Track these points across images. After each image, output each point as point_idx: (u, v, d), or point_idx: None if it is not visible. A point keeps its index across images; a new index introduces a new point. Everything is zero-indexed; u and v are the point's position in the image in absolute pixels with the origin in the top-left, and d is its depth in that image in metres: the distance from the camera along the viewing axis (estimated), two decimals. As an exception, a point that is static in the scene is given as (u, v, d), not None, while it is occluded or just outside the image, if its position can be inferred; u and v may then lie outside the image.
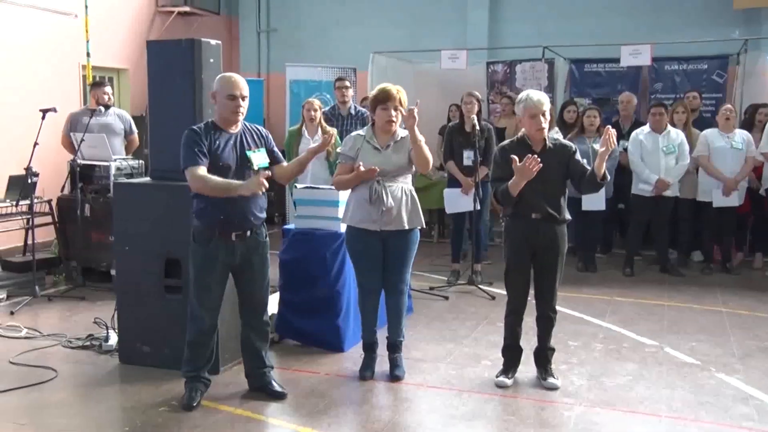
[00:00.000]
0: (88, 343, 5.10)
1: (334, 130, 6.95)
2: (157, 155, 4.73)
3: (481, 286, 6.68)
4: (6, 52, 8.01)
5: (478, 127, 6.54)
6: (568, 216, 4.38)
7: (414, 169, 4.53)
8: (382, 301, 4.60)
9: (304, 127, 7.01)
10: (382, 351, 4.64)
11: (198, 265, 4.02)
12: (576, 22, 9.93)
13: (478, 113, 6.85)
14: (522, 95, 4.34)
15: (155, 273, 4.59)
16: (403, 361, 4.62)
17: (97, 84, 7.52)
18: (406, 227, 4.42)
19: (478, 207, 6.75)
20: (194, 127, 4.00)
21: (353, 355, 4.92)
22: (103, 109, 7.22)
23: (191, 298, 4.09)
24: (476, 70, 9.65)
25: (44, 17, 8.46)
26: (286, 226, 5.56)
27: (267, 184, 3.83)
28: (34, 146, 6.32)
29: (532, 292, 4.46)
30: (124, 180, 5.76)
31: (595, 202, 7.11)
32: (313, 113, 6.92)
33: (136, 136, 7.60)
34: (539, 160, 4.04)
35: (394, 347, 4.60)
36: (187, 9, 10.46)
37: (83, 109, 7.61)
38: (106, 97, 7.31)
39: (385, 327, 4.65)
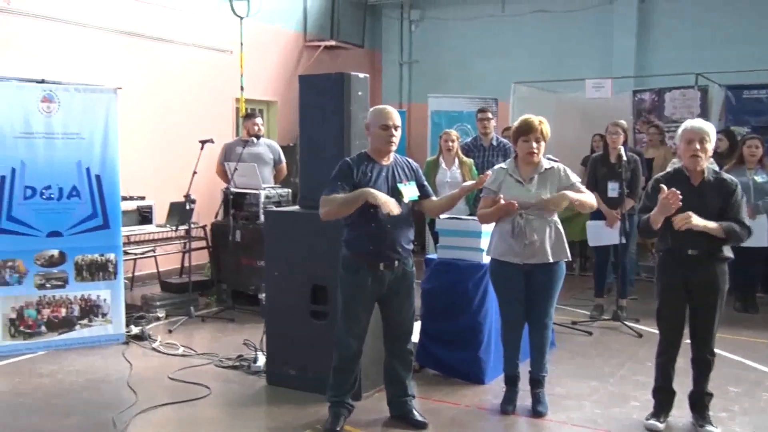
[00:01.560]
0: (237, 364, 5.33)
1: (471, 161, 6.99)
2: (306, 184, 4.91)
3: (627, 323, 6.41)
4: (170, 88, 8.63)
5: (624, 158, 6.33)
6: (729, 253, 4.11)
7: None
8: (525, 334, 4.52)
9: (441, 158, 7.04)
10: (523, 385, 4.55)
11: (346, 294, 4.12)
12: (731, 48, 9.48)
13: (624, 143, 6.64)
14: (684, 123, 4.16)
15: (302, 299, 4.74)
16: (545, 397, 4.50)
17: (249, 116, 7.92)
18: (551, 260, 4.33)
19: (624, 240, 6.51)
20: (348, 159, 4.13)
21: (494, 388, 4.85)
22: (255, 139, 7.59)
23: (338, 325, 4.18)
24: (621, 98, 9.38)
25: (204, 54, 9.07)
26: (428, 256, 5.59)
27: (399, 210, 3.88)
28: (193, 175, 6.73)
29: (686, 331, 4.22)
30: (275, 208, 6.00)
31: (756, 237, 6.65)
32: (450, 144, 6.95)
33: (284, 165, 7.92)
34: (680, 195, 3.84)
35: (536, 382, 4.50)
36: (332, 43, 10.88)
37: (236, 139, 8.04)
38: (256, 128, 7.68)
39: (528, 361, 4.55)
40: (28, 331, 5.75)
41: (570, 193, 4.23)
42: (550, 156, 4.49)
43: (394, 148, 4.12)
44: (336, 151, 4.56)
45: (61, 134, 5.84)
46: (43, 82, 6.63)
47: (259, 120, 7.80)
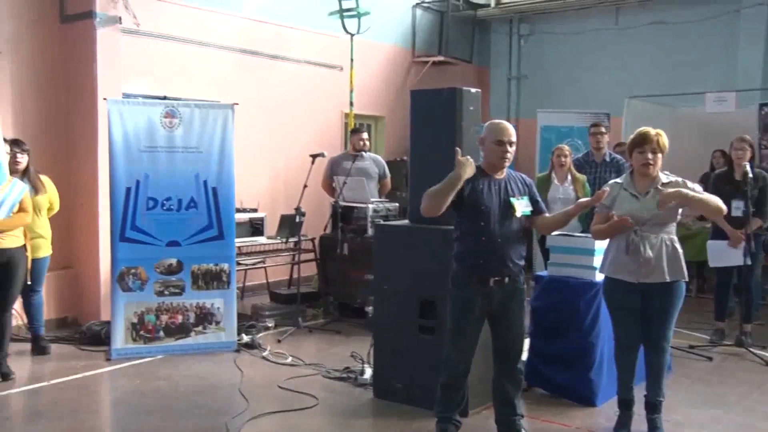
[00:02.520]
0: (344, 375, 5.38)
1: (584, 177, 6.81)
2: (416, 199, 4.90)
3: (752, 350, 6.05)
4: (282, 103, 8.89)
5: (750, 175, 6.00)
6: None
7: (679, 217, 4.26)
8: (640, 356, 4.34)
9: (553, 174, 6.90)
10: (638, 409, 4.35)
11: (455, 309, 4.08)
12: None
13: (751, 159, 6.30)
14: None
15: (411, 313, 4.73)
16: (662, 423, 4.29)
17: (356, 131, 8.03)
18: (668, 279, 4.14)
19: (749, 261, 6.15)
20: (460, 171, 4.10)
21: (606, 411, 4.67)
22: (363, 154, 7.69)
23: (447, 342, 4.14)
24: (745, 112, 8.91)
25: (315, 71, 9.29)
26: (538, 273, 5.48)
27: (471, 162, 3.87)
28: (304, 188, 6.88)
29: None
30: (385, 222, 6.04)
31: None
32: (563, 159, 6.80)
33: (388, 180, 7.97)
34: None
35: (653, 407, 4.30)
36: (441, 58, 10.91)
37: (342, 154, 8.16)
38: (362, 142, 7.76)
39: (642, 384, 4.36)
40: (148, 335, 6.02)
41: (689, 191, 4.04)
42: (666, 172, 4.31)
43: (507, 163, 4.07)
44: (446, 166, 4.52)
45: (181, 148, 6.11)
46: (165, 98, 6.99)
47: (365, 135, 7.89)
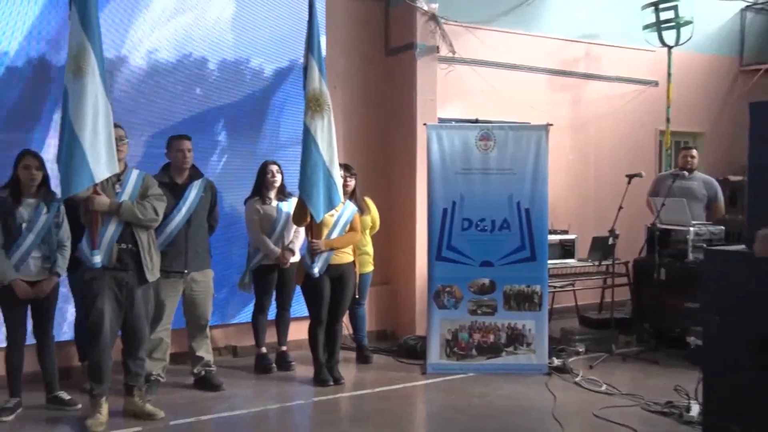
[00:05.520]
0: (667, 410, 5.02)
1: None
2: (755, 221, 4.42)
3: None
4: (594, 122, 8.68)
5: None
6: None
7: None
8: None
9: None
10: None
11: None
12: None
13: None
14: None
15: (748, 349, 4.25)
16: None
17: (683, 148, 7.53)
18: None
19: None
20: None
21: None
22: (686, 173, 7.18)
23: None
24: None
25: (627, 88, 8.93)
26: None
27: None
28: (619, 210, 6.60)
29: None
30: (717, 247, 5.54)
31: None
32: None
33: (721, 204, 7.36)
34: None
35: None
36: (773, 66, 9.84)
37: (668, 172, 7.68)
38: (688, 160, 7.25)
39: None
40: (461, 352, 6.19)
41: None
42: None
43: None
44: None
45: (495, 170, 6.23)
46: (476, 121, 7.19)
47: (693, 152, 7.35)
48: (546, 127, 6.28)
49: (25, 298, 4.87)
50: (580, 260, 7.31)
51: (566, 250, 7.24)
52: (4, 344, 5.08)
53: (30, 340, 5.04)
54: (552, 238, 6.97)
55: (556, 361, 6.21)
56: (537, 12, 8.33)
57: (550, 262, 6.71)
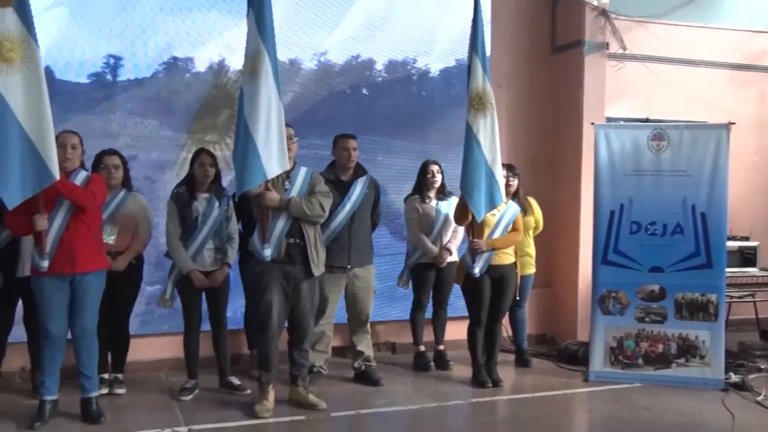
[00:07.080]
0: None
1: None
2: None
3: None
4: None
5: None
6: None
7: None
8: None
9: None
10: None
11: None
12: None
13: None
14: None
15: None
16: None
17: None
18: None
19: None
20: None
21: None
22: None
23: None
24: None
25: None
26: None
27: None
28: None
29: None
30: None
31: None
32: None
33: None
34: None
35: None
36: None
37: None
38: None
39: None
40: (627, 361, 5.90)
41: None
42: None
43: None
44: None
45: (668, 171, 5.89)
46: (647, 121, 6.84)
47: None
48: (727, 126, 5.85)
49: (200, 287, 5.21)
50: (762, 269, 6.76)
51: (747, 258, 6.72)
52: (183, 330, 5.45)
53: (205, 327, 5.38)
54: (731, 244, 6.49)
55: (734, 377, 5.76)
56: (717, 2, 7.78)
57: (728, 270, 6.24)
